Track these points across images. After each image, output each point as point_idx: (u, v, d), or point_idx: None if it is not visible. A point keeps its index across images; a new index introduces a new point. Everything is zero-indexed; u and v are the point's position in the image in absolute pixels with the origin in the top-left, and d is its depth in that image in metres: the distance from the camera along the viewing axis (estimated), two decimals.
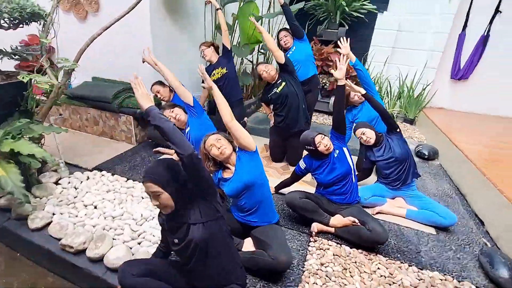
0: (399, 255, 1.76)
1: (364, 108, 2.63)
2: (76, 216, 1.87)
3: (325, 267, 1.62)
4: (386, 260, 1.71)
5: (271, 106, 2.83)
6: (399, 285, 1.54)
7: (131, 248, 1.64)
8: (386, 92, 4.77)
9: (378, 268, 1.64)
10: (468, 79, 4.58)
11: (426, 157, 3.23)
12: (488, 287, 1.59)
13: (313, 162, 2.00)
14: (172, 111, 2.23)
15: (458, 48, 4.47)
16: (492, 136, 3.51)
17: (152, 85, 2.69)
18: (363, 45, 4.84)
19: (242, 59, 3.89)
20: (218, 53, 2.98)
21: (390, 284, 1.53)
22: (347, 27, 4.57)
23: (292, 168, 2.71)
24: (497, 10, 4.14)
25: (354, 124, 2.36)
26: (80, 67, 2.88)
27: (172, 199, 1.15)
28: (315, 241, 1.84)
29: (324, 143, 1.89)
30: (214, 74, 3.03)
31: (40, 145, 2.09)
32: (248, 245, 1.65)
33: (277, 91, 2.59)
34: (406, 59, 4.64)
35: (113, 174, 2.39)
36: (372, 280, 1.55)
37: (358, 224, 1.79)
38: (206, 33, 3.75)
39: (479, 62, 4.45)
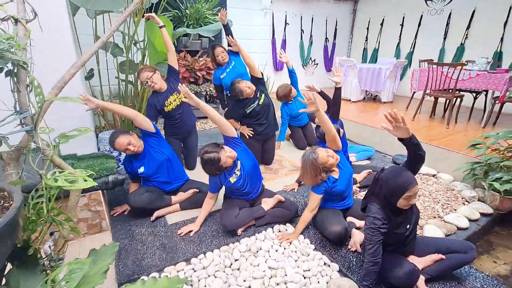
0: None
1: (297, 102, 3.46)
2: None
3: None
4: None
5: (238, 121, 2.98)
6: None
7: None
8: None
9: None
10: (283, 69, 6.61)
11: None
12: None
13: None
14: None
15: (273, 48, 6.29)
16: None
17: (116, 137, 1.98)
18: None
19: None
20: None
21: None
22: (208, 38, 4.97)
23: (270, 167, 3.12)
24: (286, 23, 6.23)
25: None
26: None
27: None
28: None
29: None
30: (170, 103, 2.59)
31: None
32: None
33: (260, 103, 2.79)
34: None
35: (160, 270, 1.68)
36: None
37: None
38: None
39: None
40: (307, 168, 1.79)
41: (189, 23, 4.53)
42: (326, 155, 1.82)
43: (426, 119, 4.19)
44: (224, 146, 1.93)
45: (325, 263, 1.77)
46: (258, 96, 2.84)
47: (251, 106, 2.83)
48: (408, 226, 1.53)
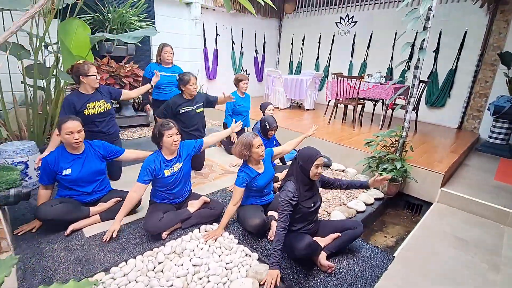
0: None
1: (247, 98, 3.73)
2: None
3: None
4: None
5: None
6: None
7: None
8: None
9: None
10: (216, 79, 6.78)
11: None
12: (324, 168, 3.58)
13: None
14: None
15: (205, 58, 6.41)
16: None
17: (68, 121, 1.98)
18: (146, 59, 5.33)
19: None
20: None
21: None
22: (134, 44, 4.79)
23: (201, 172, 3.21)
24: (217, 33, 6.44)
25: (260, 104, 3.48)
26: None
27: None
28: None
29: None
30: (94, 107, 2.49)
31: None
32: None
33: (196, 111, 2.89)
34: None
35: None
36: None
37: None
38: None
39: (218, 67, 6.73)
40: (241, 140, 2.07)
41: (112, 27, 4.34)
42: (259, 144, 2.08)
43: (339, 123, 4.85)
44: (177, 131, 2.07)
45: (246, 254, 1.93)
46: (197, 104, 2.92)
47: (186, 107, 2.88)
48: (312, 205, 1.84)
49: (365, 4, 5.92)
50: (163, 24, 5.40)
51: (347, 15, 6.23)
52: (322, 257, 1.83)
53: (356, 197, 2.84)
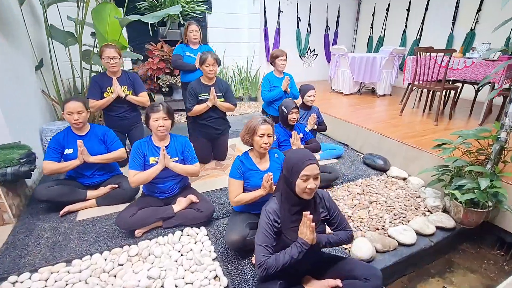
0: (341, 181, 2.56)
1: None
2: None
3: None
4: (341, 186, 2.47)
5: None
6: (356, 194, 2.33)
7: None
8: (232, 80, 5.61)
9: (342, 192, 2.35)
10: None
11: None
12: (378, 173, 2.73)
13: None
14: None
15: (266, 38, 5.96)
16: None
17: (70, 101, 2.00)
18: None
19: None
20: None
21: (354, 196, 2.29)
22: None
23: (222, 163, 2.90)
24: (279, 10, 5.86)
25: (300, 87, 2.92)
26: None
27: None
28: None
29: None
30: (124, 91, 2.48)
31: None
32: None
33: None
34: (237, 51, 5.60)
35: (34, 271, 1.56)
36: (346, 200, 2.25)
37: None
38: (33, 40, 2.83)
39: (279, 47, 6.18)
40: (248, 123, 1.71)
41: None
42: (265, 133, 1.64)
43: (418, 114, 3.70)
44: (167, 115, 1.85)
45: (216, 276, 1.54)
46: (218, 95, 2.60)
47: (205, 95, 2.60)
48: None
49: None
50: (219, 4, 5.20)
51: None
52: None
53: (407, 221, 2.00)
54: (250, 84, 5.71)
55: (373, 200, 2.24)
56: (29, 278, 1.51)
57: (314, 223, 1.19)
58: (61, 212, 2.01)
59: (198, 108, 2.57)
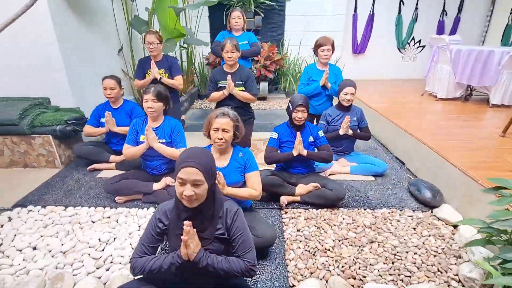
0: (354, 204, 2.04)
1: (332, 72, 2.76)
2: (11, 265, 1.53)
3: (302, 231, 1.76)
4: (347, 210, 1.97)
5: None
6: (362, 226, 1.80)
7: (100, 278, 1.45)
8: None
9: (343, 218, 1.87)
10: (365, 52, 5.42)
11: None
12: (419, 207, 2.00)
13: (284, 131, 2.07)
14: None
15: (354, 26, 5.23)
16: (391, 94, 4.27)
17: (105, 78, 2.37)
18: (278, 31, 5.19)
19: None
20: None
21: (355, 228, 1.78)
22: (262, 15, 4.80)
23: None
24: None
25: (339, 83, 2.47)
26: None
27: (207, 192, 1.04)
28: (286, 212, 1.97)
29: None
30: (160, 73, 2.80)
31: None
32: None
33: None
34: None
35: (44, 207, 2.00)
36: (342, 229, 1.77)
37: (320, 187, 1.99)
38: (119, 28, 3.44)
39: (370, 37, 5.31)
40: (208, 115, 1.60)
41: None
42: (220, 128, 1.51)
43: None
44: (155, 98, 1.93)
45: None
46: (236, 81, 2.50)
47: (224, 82, 2.58)
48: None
49: None
50: None
51: None
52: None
53: (406, 284, 1.40)
54: None
55: (377, 240, 1.68)
56: (38, 211, 1.95)
57: (203, 236, 1.03)
58: (88, 168, 2.46)
59: (215, 95, 2.56)
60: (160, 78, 2.76)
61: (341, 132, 2.39)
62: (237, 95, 2.53)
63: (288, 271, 1.48)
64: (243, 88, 2.56)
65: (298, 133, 2.00)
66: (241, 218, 1.13)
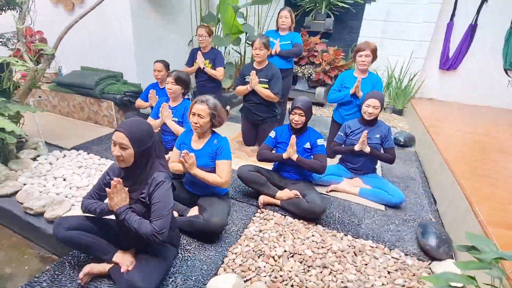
0: (338, 226, 1.84)
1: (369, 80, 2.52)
2: (44, 186, 2.06)
3: (263, 233, 1.73)
4: (323, 230, 1.80)
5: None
6: (328, 249, 1.62)
7: None
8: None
9: (313, 235, 1.73)
10: (457, 69, 4.52)
11: (401, 143, 3.28)
12: (416, 254, 1.65)
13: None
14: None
15: (447, 37, 4.43)
16: (467, 125, 3.47)
17: (156, 62, 2.78)
18: (352, 36, 4.87)
19: (225, 48, 4.07)
20: None
21: (318, 248, 1.62)
22: (333, 18, 4.61)
23: (254, 147, 2.88)
24: (483, 0, 4.08)
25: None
26: (70, 57, 3.19)
27: (134, 157, 1.20)
28: (262, 212, 1.95)
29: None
30: (205, 64, 3.12)
31: (18, 124, 2.30)
32: (192, 212, 1.77)
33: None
34: (395, 50, 4.62)
35: (88, 153, 2.57)
36: (303, 244, 1.65)
37: (300, 196, 1.88)
38: (192, 22, 3.92)
39: (467, 52, 4.39)
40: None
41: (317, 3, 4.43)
42: (196, 112, 1.63)
43: None
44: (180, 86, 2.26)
45: None
46: (261, 78, 2.58)
47: (249, 77, 2.69)
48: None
49: None
50: None
51: None
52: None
53: None
54: (397, 92, 4.62)
55: (332, 268, 1.49)
56: (82, 156, 2.53)
57: (131, 196, 1.28)
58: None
59: (240, 89, 2.68)
60: (203, 68, 3.06)
61: (357, 148, 2.15)
62: (258, 91, 2.59)
63: (223, 262, 1.50)
64: (267, 86, 2.60)
65: (293, 136, 1.93)
66: (162, 189, 1.24)
